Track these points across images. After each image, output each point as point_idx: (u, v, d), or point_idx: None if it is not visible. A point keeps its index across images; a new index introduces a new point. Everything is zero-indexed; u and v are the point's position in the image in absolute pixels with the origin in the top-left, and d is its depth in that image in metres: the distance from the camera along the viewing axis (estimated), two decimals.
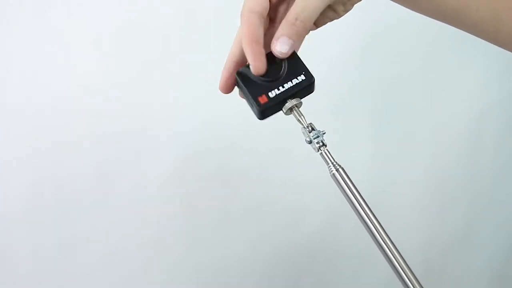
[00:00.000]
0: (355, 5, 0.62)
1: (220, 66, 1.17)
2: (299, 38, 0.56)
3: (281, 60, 0.57)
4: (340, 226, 1.34)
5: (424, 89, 1.38)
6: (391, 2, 0.64)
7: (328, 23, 0.63)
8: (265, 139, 1.28)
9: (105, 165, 1.19)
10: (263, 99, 0.56)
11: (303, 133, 0.56)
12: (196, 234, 1.27)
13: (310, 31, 0.62)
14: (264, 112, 0.57)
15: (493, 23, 0.65)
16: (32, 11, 1.12)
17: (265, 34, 0.58)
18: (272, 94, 0.56)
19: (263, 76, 0.56)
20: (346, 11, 0.62)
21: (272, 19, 0.62)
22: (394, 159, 1.38)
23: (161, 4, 1.19)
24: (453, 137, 1.41)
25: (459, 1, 0.63)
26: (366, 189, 1.42)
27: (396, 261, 0.52)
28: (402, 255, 0.53)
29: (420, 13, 0.66)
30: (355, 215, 0.53)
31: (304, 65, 0.56)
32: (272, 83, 0.57)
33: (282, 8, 0.61)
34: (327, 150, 0.55)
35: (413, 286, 0.51)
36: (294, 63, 0.57)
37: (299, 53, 0.59)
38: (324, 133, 0.55)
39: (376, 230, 0.52)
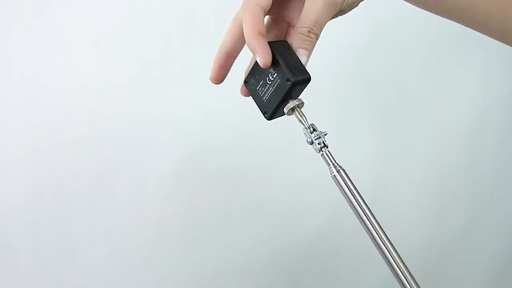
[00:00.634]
0: (361, 3, 0.63)
1: None
2: (313, 47, 0.58)
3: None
4: (340, 226, 1.34)
5: (425, 88, 1.38)
6: None
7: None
8: (265, 139, 1.28)
9: (105, 165, 1.19)
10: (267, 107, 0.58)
11: (305, 133, 0.56)
12: (196, 234, 1.27)
13: None
14: (270, 118, 0.59)
15: (500, 20, 0.65)
16: (32, 11, 1.11)
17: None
18: (270, 101, 0.58)
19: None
20: (352, 8, 0.63)
21: (273, 18, 0.63)
22: (394, 158, 1.38)
23: (161, 4, 1.19)
24: (453, 136, 1.41)
25: None
26: (366, 188, 1.43)
27: (396, 265, 0.52)
28: (402, 258, 0.53)
29: (427, 10, 0.66)
30: (355, 215, 0.53)
31: (282, 68, 0.56)
32: (268, 91, 0.58)
33: (285, 7, 0.62)
34: (328, 151, 0.55)
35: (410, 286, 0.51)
36: (278, 69, 0.57)
37: None
38: (325, 134, 0.55)
39: (377, 233, 0.52)
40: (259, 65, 0.55)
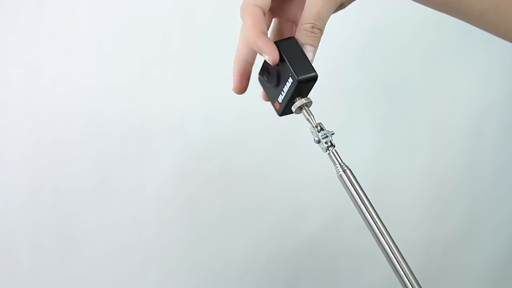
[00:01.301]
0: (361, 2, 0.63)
1: (220, 66, 1.17)
2: (318, 43, 0.57)
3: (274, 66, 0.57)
4: (341, 225, 1.34)
5: (424, 89, 1.38)
6: None
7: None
8: (266, 139, 1.28)
9: (105, 165, 1.19)
10: (277, 105, 0.58)
11: (312, 132, 0.56)
12: (197, 233, 1.27)
13: None
14: (282, 115, 0.58)
15: (495, 14, 0.65)
16: (32, 11, 1.11)
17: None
18: (280, 99, 0.57)
19: (269, 83, 0.58)
20: (351, 1, 0.63)
21: (274, 17, 0.62)
22: (394, 158, 1.38)
23: (161, 4, 1.19)
24: (453, 136, 1.41)
25: None
26: (366, 188, 1.43)
27: (400, 266, 0.52)
28: (406, 259, 0.53)
29: (423, 4, 0.67)
30: (356, 214, 0.53)
31: (289, 67, 0.56)
32: (277, 89, 0.58)
33: (286, 6, 0.62)
34: (335, 150, 0.55)
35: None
36: (284, 67, 0.57)
37: None
38: (333, 134, 0.55)
39: (381, 233, 0.52)
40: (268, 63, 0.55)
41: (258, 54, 0.58)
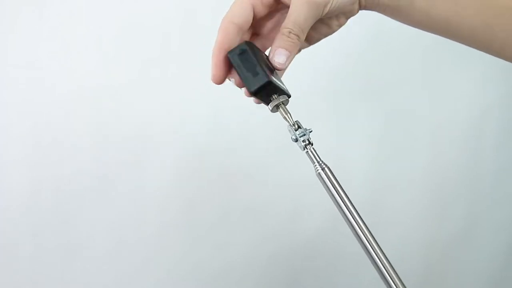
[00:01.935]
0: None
1: None
2: (294, 49, 0.57)
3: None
4: (340, 226, 1.33)
5: (424, 89, 1.37)
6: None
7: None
8: (265, 139, 1.28)
9: (105, 165, 1.19)
10: (269, 76, 0.56)
11: (289, 131, 0.56)
12: (196, 233, 1.27)
13: (303, 49, 0.65)
14: (267, 85, 0.56)
15: (485, 32, 0.65)
16: (32, 11, 1.12)
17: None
18: (273, 79, 0.56)
19: (263, 61, 0.58)
20: (340, 25, 0.64)
21: (257, 33, 0.64)
22: (394, 159, 1.37)
23: (161, 4, 1.19)
24: (453, 137, 1.40)
25: (450, 12, 0.63)
26: (365, 188, 1.42)
27: (381, 262, 0.51)
28: (398, 258, 0.52)
29: (413, 26, 0.67)
30: (339, 213, 0.52)
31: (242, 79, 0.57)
32: (274, 74, 0.58)
33: (269, 24, 0.64)
34: (313, 148, 0.54)
35: (396, 286, 0.50)
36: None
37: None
38: (310, 131, 0.55)
39: (362, 231, 0.52)
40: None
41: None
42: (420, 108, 1.37)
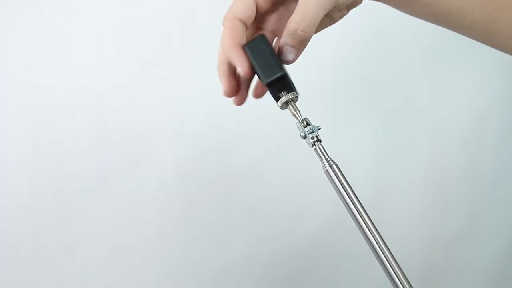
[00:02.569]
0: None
1: None
2: (302, 46, 0.57)
3: None
4: (341, 225, 1.34)
5: (424, 89, 1.37)
6: (386, 6, 0.65)
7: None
8: (265, 139, 1.28)
9: (105, 165, 1.19)
10: (285, 70, 0.57)
11: (298, 127, 0.56)
12: (196, 233, 1.27)
13: None
14: (279, 79, 0.56)
15: (487, 25, 0.65)
16: (32, 11, 1.12)
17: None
18: (287, 74, 0.57)
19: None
20: (342, 16, 0.63)
21: (260, 28, 0.63)
22: (394, 158, 1.38)
23: (162, 4, 1.19)
24: (453, 136, 1.40)
25: (453, 4, 0.63)
26: (366, 188, 1.42)
27: (388, 261, 0.51)
28: (401, 257, 0.52)
29: (415, 17, 0.67)
30: (347, 211, 0.53)
31: (258, 71, 0.58)
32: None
33: (272, 18, 0.63)
34: (321, 145, 0.55)
35: (402, 285, 0.50)
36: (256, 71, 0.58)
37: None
38: (319, 129, 0.55)
39: (369, 230, 0.52)
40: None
41: None
42: (420, 108, 1.38)
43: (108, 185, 1.20)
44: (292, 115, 0.56)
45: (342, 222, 1.33)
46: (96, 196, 1.19)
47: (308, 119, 0.56)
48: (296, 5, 0.56)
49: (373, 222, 0.52)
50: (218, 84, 1.03)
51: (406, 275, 0.52)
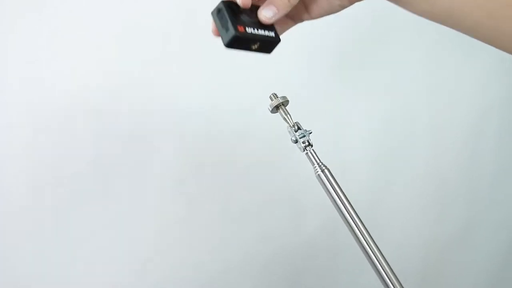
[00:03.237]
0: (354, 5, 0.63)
1: (221, 66, 1.16)
2: (283, 8, 0.60)
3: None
4: (341, 225, 1.33)
5: (424, 90, 1.37)
6: (389, 3, 0.64)
7: (326, 16, 0.66)
8: (267, 139, 1.28)
9: (105, 165, 1.19)
10: (241, 29, 0.61)
11: (289, 132, 0.56)
12: (196, 233, 1.27)
13: (306, 21, 0.66)
14: (236, 39, 0.61)
15: (489, 24, 0.64)
16: (32, 11, 1.12)
17: None
18: (248, 30, 0.61)
19: (246, 14, 0.62)
20: (343, 5, 0.63)
21: None
22: (394, 158, 1.37)
23: (162, 4, 1.19)
24: (453, 137, 1.40)
25: (454, 3, 0.63)
26: (365, 188, 1.42)
27: (379, 262, 0.51)
28: (398, 259, 0.52)
29: (417, 15, 0.67)
30: (338, 214, 0.52)
31: (275, 28, 0.62)
32: (251, 23, 0.62)
33: None
34: (313, 150, 0.54)
35: (393, 286, 0.50)
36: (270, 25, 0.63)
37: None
38: (310, 133, 0.55)
39: (360, 232, 0.52)
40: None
41: None
42: (420, 108, 1.37)
43: (108, 185, 1.20)
44: (282, 119, 0.56)
45: (341, 222, 1.33)
46: (96, 196, 1.19)
47: (299, 123, 0.55)
48: None
49: (365, 225, 0.52)
50: (218, 84, 1.04)
51: (398, 276, 0.52)
